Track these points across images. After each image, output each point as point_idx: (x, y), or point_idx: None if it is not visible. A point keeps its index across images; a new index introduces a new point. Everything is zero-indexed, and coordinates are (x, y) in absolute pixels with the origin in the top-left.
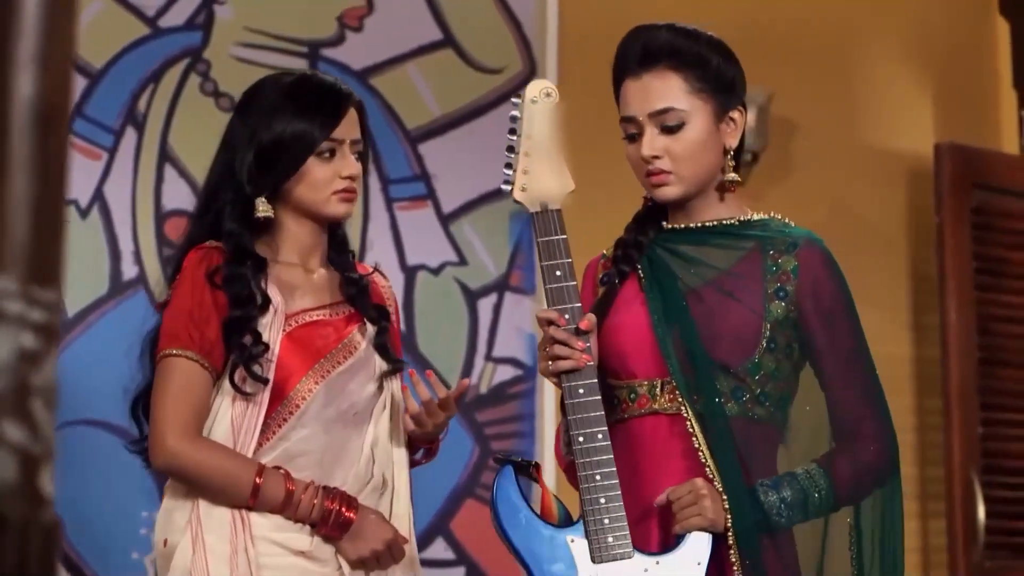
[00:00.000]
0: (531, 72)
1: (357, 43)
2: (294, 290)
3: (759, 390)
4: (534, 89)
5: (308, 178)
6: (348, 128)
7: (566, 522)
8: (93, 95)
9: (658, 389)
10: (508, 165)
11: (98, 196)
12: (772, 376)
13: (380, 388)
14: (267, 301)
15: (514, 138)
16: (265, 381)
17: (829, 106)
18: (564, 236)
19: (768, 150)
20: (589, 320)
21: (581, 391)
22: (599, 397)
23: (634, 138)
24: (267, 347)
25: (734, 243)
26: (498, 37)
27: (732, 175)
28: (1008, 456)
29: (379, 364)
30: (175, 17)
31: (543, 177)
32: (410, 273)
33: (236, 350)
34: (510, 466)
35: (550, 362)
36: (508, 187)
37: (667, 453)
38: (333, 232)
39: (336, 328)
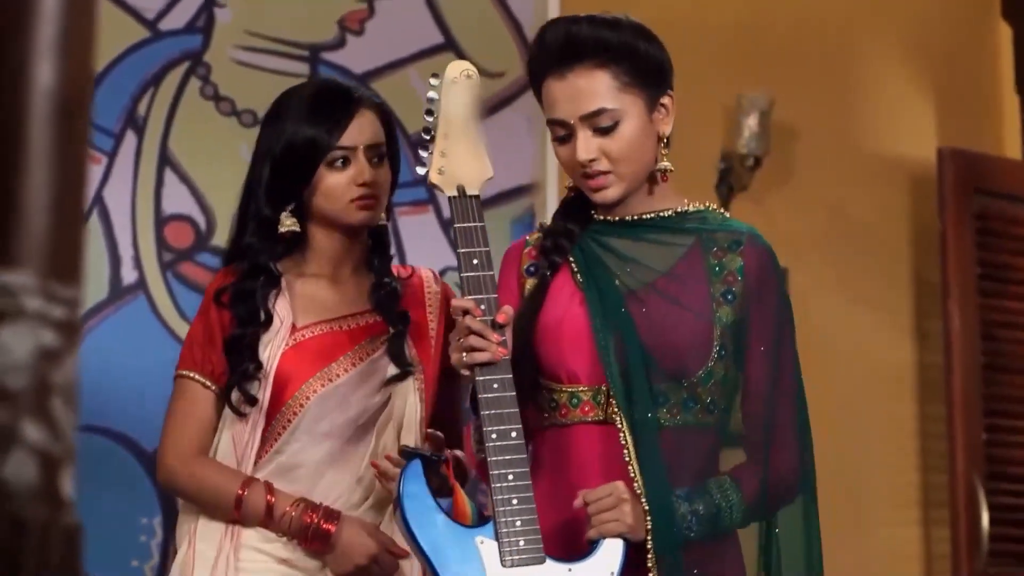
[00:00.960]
0: None
1: (358, 47)
2: (313, 303)
3: (709, 399)
4: (454, 70)
5: (323, 188)
6: (360, 133)
7: (478, 523)
8: (93, 98)
9: (603, 397)
10: (424, 146)
11: (97, 200)
12: (722, 383)
13: (389, 399)
14: (269, 317)
15: (431, 119)
16: (253, 401)
17: (831, 111)
18: (482, 223)
19: (770, 155)
20: (506, 313)
21: (496, 386)
22: (514, 393)
23: (565, 140)
24: (260, 365)
25: (672, 239)
26: (499, 40)
27: (665, 163)
28: (1012, 463)
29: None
30: (175, 20)
31: (461, 161)
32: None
33: (234, 369)
34: (418, 460)
35: (464, 354)
36: (424, 169)
37: (612, 466)
38: (374, 236)
39: (351, 336)
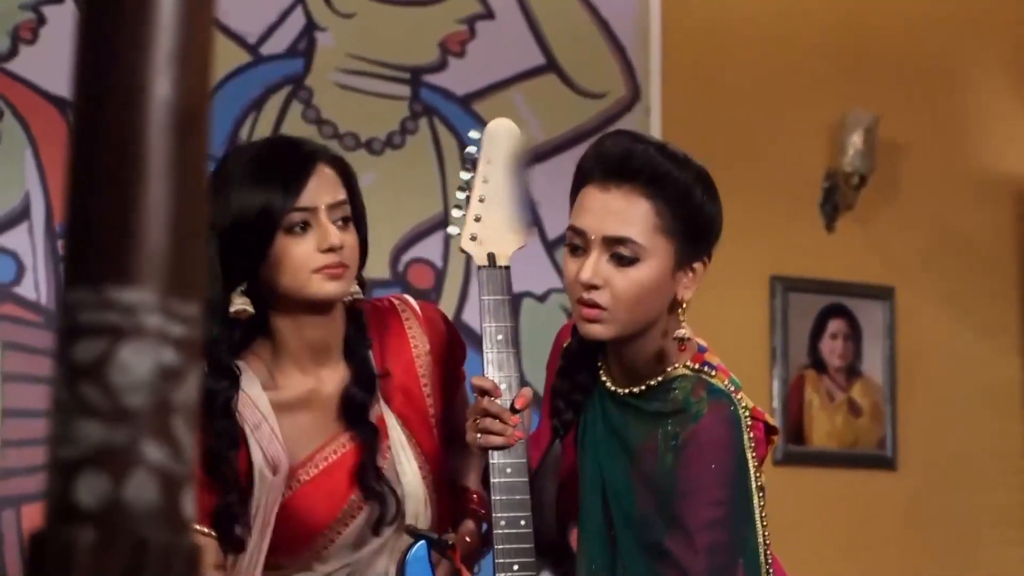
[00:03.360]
0: (635, 96)
1: (459, 69)
2: (302, 424)
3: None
4: (497, 128)
5: (282, 260)
6: (320, 191)
7: None
8: (211, 112)
9: None
10: (457, 206)
11: None
12: None
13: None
14: (238, 441)
15: (467, 177)
16: (240, 548)
17: (937, 128)
18: (510, 296)
19: (875, 173)
20: (525, 397)
21: (508, 470)
22: (527, 479)
23: (576, 251)
24: (242, 500)
25: (645, 417)
26: (601, 61)
27: (682, 331)
28: None
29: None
30: (277, 44)
31: (496, 229)
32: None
33: (222, 499)
34: (424, 542)
35: (479, 435)
36: (455, 230)
37: None
38: (351, 316)
39: (348, 471)
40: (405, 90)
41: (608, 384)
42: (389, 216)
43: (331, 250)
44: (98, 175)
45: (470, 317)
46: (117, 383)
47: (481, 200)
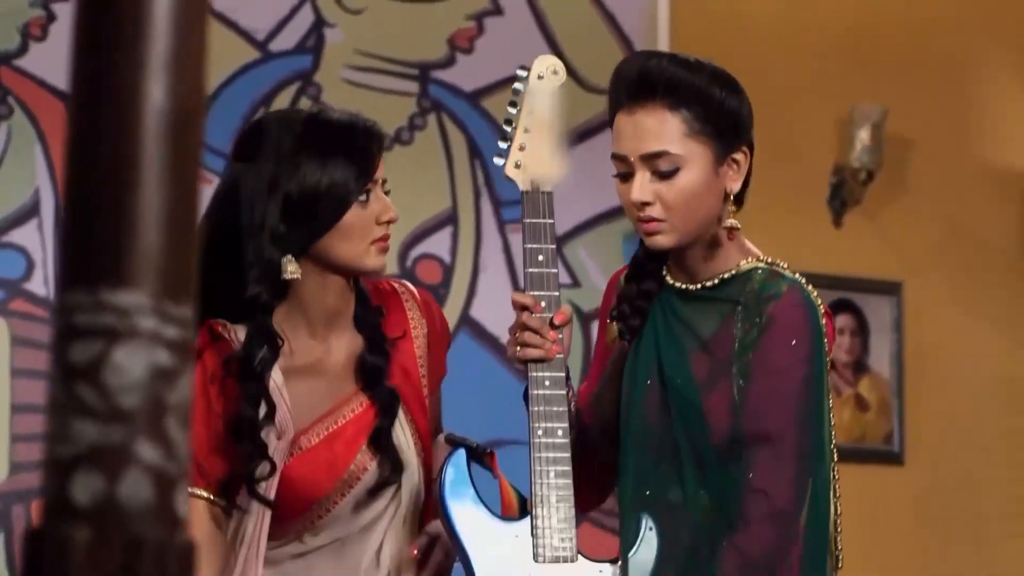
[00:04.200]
0: None
1: (468, 65)
2: (308, 391)
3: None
4: (541, 65)
5: (345, 229)
6: (380, 166)
7: (520, 516)
8: (206, 116)
9: None
10: (504, 137)
11: None
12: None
13: (393, 496)
14: (272, 408)
15: (513, 111)
16: (270, 504)
17: (946, 123)
18: (551, 221)
19: (883, 168)
20: (564, 313)
21: (547, 383)
22: (564, 392)
23: (625, 177)
24: (273, 468)
25: (718, 307)
26: (608, 56)
27: (731, 221)
28: None
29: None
30: (285, 41)
31: (539, 156)
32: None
33: (244, 462)
34: (463, 450)
35: (518, 348)
36: (501, 160)
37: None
38: (358, 287)
39: (347, 441)
40: (413, 86)
41: (678, 284)
42: (397, 211)
43: (389, 222)
44: (93, 180)
45: (478, 313)
46: (112, 384)
47: (526, 131)
